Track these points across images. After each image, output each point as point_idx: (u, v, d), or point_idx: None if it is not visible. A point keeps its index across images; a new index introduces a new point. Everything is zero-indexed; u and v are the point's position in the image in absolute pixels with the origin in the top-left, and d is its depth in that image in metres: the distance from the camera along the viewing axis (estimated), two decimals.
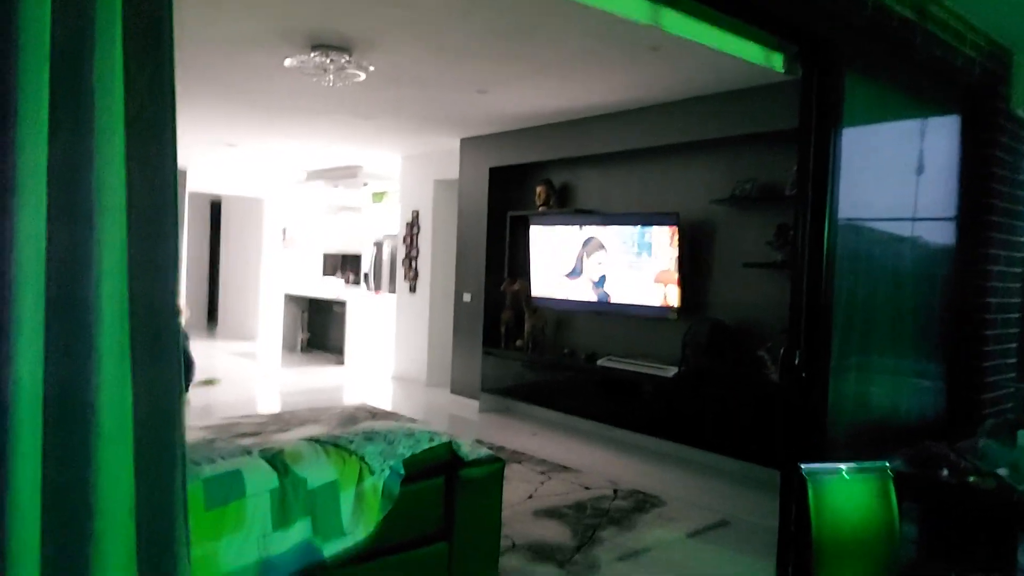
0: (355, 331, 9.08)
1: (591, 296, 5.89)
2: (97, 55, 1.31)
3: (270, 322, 11.01)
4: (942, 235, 3.71)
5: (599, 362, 5.68)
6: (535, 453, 5.19)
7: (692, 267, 5.30)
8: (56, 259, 1.31)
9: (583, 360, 5.87)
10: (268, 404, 6.86)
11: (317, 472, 2.32)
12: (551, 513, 3.96)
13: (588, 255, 5.92)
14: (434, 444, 2.62)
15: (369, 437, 2.55)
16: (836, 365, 2.96)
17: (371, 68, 4.35)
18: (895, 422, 3.35)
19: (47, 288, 1.29)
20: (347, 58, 4.21)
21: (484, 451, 2.84)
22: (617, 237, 5.65)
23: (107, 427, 1.37)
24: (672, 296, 5.27)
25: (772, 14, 2.57)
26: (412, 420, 6.21)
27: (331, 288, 10.13)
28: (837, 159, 2.79)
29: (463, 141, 6.94)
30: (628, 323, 5.81)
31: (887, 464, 2.48)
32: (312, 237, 11.74)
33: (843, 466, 2.44)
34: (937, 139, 3.62)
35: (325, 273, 12.42)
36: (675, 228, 5.20)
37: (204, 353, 9.63)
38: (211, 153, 8.87)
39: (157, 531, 1.45)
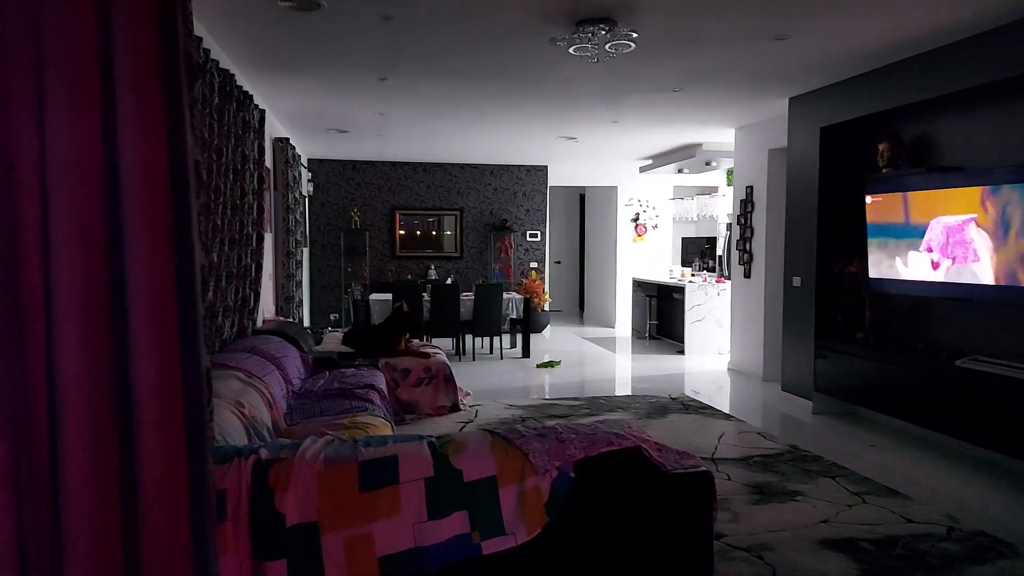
0: (693, 319, 8.69)
1: (953, 277, 4.59)
2: None
3: (623, 309, 11.25)
4: None
5: (959, 362, 4.39)
6: (858, 469, 4.26)
7: None
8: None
9: (942, 359, 4.61)
10: (599, 388, 6.98)
11: (475, 465, 2.21)
12: (843, 545, 3.18)
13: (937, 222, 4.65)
14: (615, 448, 2.29)
15: (542, 433, 2.35)
16: None
17: (634, 35, 4.03)
18: None
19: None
20: (610, 28, 3.97)
21: (692, 462, 2.39)
22: (989, 199, 4.29)
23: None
24: None
25: None
26: (728, 417, 5.67)
27: (675, 274, 9.88)
28: None
29: (791, 101, 6.04)
30: (1007, 313, 4.38)
31: None
32: (665, 222, 11.60)
33: None
34: None
35: (685, 259, 12.15)
36: None
37: (566, 339, 10.32)
38: (560, 147, 9.37)
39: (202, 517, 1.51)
